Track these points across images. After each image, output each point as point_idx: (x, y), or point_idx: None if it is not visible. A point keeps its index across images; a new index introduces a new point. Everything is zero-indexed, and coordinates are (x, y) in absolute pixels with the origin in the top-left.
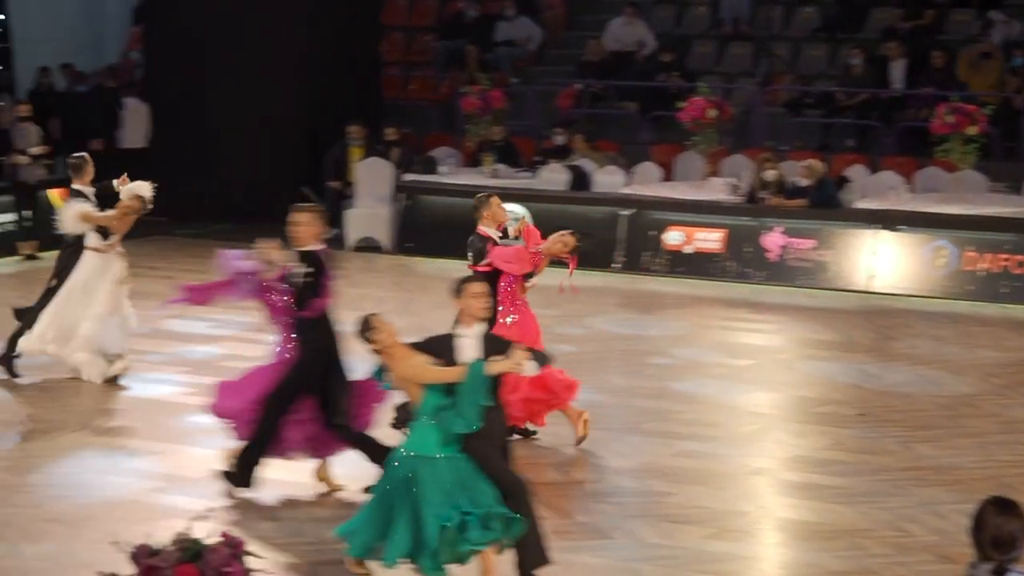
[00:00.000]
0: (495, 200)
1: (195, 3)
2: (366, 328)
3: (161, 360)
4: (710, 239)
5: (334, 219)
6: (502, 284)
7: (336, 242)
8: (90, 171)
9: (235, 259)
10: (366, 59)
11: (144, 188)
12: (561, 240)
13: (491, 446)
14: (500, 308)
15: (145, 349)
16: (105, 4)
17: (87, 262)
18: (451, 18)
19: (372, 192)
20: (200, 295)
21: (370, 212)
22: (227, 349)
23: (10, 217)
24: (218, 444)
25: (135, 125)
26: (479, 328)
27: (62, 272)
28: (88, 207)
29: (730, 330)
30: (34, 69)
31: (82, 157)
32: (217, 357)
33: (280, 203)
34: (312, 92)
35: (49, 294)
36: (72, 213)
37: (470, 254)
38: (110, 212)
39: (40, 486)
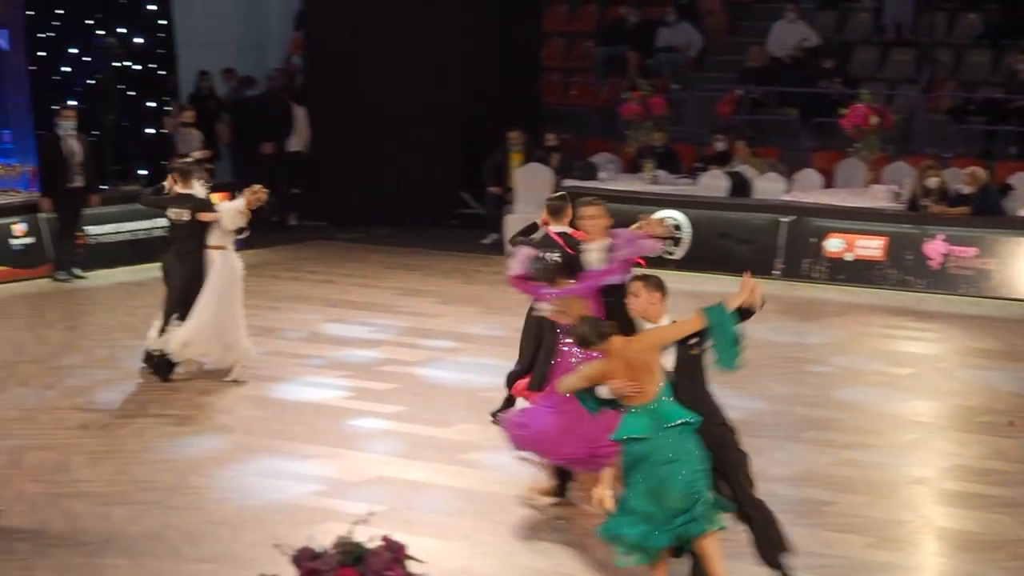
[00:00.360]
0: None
1: (356, 10)
2: (594, 328)
3: (321, 364)
4: (871, 246)
5: (493, 224)
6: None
7: (495, 247)
8: (196, 175)
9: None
10: (527, 65)
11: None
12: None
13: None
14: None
15: (305, 353)
16: (268, 9)
17: (224, 261)
18: (612, 24)
19: (532, 197)
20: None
21: (529, 217)
22: (386, 353)
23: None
24: (380, 448)
25: (295, 129)
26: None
27: (188, 277)
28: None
29: (891, 338)
30: (195, 73)
31: (189, 164)
32: (377, 361)
33: (440, 208)
34: (473, 98)
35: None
36: (234, 209)
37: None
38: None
39: (201, 488)
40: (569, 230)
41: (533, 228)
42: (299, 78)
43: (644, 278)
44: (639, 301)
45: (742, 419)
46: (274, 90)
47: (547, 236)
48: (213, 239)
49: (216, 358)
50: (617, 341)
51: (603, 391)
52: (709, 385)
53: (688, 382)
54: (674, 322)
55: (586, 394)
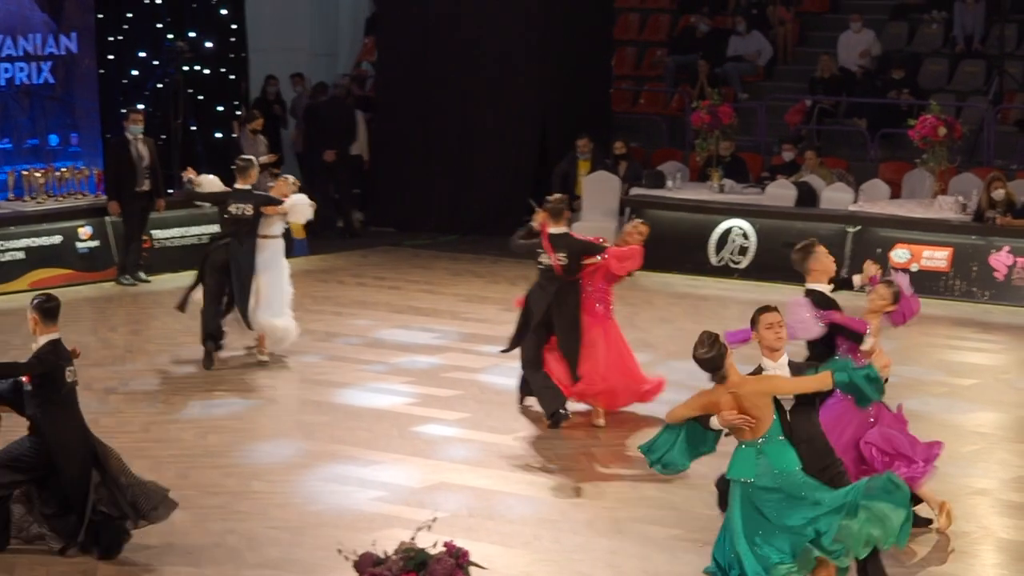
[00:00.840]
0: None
1: (428, 15)
2: (714, 350)
3: (385, 370)
4: (936, 257)
5: None
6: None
7: None
8: (254, 173)
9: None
10: (597, 73)
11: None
12: (636, 230)
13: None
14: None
15: (369, 359)
16: (339, 15)
17: (275, 248)
18: (682, 32)
19: (599, 205)
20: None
21: (597, 226)
22: (450, 359)
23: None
24: (443, 454)
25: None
26: (782, 359)
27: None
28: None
29: (954, 349)
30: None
31: (249, 160)
32: (441, 367)
33: (509, 215)
34: (542, 105)
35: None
36: (304, 203)
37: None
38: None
39: (263, 494)
40: (568, 231)
41: (533, 232)
42: (368, 84)
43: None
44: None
45: None
46: (338, 96)
47: (555, 236)
48: (270, 230)
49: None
50: (735, 376)
51: (714, 422)
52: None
53: (803, 420)
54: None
55: (697, 424)
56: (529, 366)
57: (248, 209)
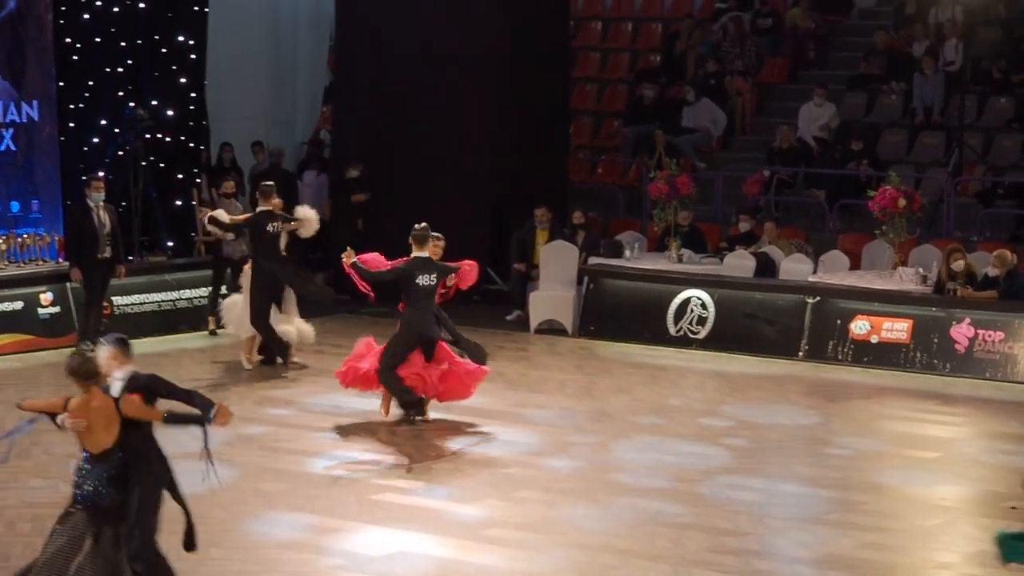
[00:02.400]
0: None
1: (384, 83)
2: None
3: (341, 438)
4: (897, 329)
5: (518, 301)
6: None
7: (519, 324)
8: (273, 199)
9: None
10: (555, 142)
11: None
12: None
13: None
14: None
15: (327, 426)
16: (296, 83)
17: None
18: (633, 102)
19: (557, 275)
20: None
21: (554, 295)
22: (408, 427)
23: (200, 292)
24: (402, 522)
25: (312, 198)
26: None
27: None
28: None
29: (916, 421)
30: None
31: (271, 185)
32: (397, 435)
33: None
34: (499, 175)
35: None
36: (314, 217)
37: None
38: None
39: (221, 560)
40: (428, 255)
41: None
42: (326, 152)
43: None
44: None
45: (764, 500)
46: (276, 163)
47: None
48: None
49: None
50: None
51: None
52: None
53: None
54: None
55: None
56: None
57: (278, 226)
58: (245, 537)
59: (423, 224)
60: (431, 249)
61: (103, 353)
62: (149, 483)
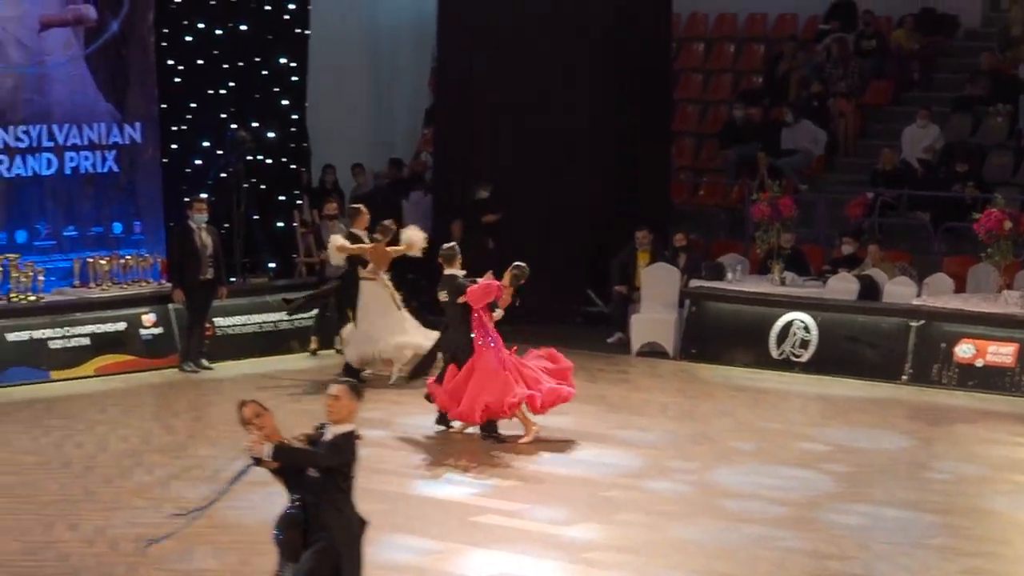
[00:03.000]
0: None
1: (485, 105)
2: None
3: (442, 459)
4: (1002, 353)
5: (618, 323)
6: (474, 316)
7: (620, 347)
8: (365, 219)
9: None
10: (656, 164)
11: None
12: (511, 273)
13: None
14: (474, 335)
15: (427, 448)
16: (397, 105)
17: (363, 288)
18: (728, 124)
19: (658, 297)
20: None
21: (656, 318)
22: (508, 450)
23: (306, 313)
24: (502, 544)
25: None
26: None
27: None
28: (342, 240)
29: (1021, 446)
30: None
31: (358, 208)
32: (499, 458)
33: (565, 305)
34: (601, 197)
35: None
36: (333, 245)
37: (446, 291)
38: (363, 246)
39: None
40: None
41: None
42: (428, 175)
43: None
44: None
45: (867, 525)
46: (382, 186)
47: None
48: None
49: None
50: None
51: None
52: None
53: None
54: None
55: None
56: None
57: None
58: None
59: (451, 244)
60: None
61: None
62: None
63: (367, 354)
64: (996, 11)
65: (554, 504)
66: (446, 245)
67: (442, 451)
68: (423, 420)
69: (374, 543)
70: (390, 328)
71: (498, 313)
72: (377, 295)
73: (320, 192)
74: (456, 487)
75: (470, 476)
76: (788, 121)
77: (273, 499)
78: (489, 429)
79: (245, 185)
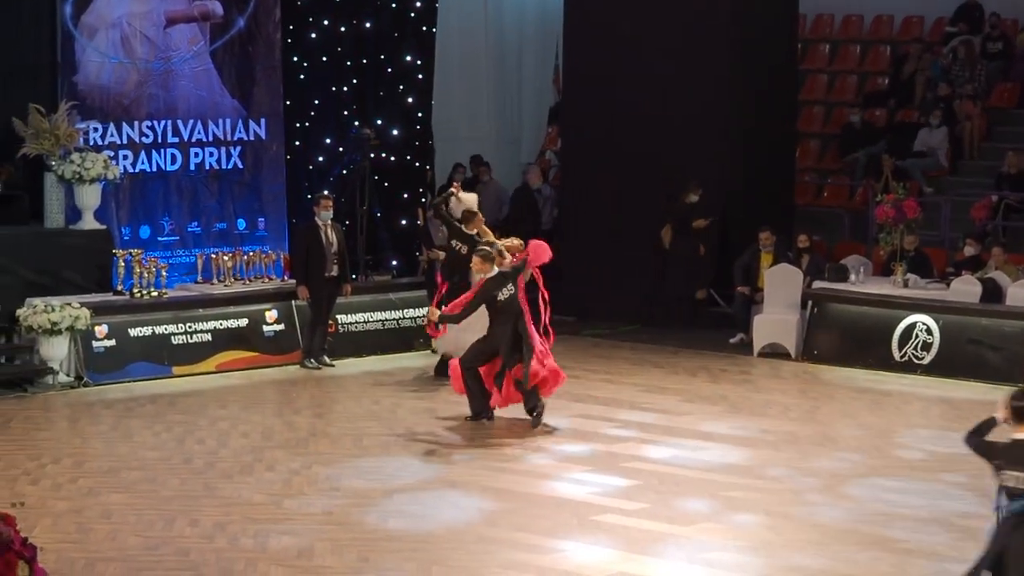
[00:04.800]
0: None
1: (612, 104)
2: None
3: (564, 459)
4: None
5: (741, 324)
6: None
7: (743, 347)
8: (479, 221)
9: None
10: (780, 166)
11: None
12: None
13: None
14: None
15: (548, 447)
16: (522, 103)
17: None
18: (845, 128)
19: (781, 299)
20: None
21: (778, 318)
22: (629, 449)
23: (423, 312)
24: (621, 544)
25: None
26: None
27: None
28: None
29: None
30: (448, 167)
31: (474, 212)
32: (620, 457)
33: (690, 309)
34: (724, 198)
35: None
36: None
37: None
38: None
39: None
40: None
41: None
42: (552, 173)
43: None
44: None
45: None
46: (525, 184)
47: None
48: None
49: None
50: None
51: None
52: None
53: None
54: None
55: None
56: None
57: (463, 248)
58: (466, 555)
59: (488, 241)
60: (499, 263)
61: None
62: None
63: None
64: None
65: (674, 504)
66: (482, 246)
67: (563, 451)
68: (543, 419)
69: (494, 542)
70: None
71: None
72: None
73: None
74: (577, 486)
75: (591, 475)
76: (933, 124)
77: (393, 497)
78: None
79: (369, 183)
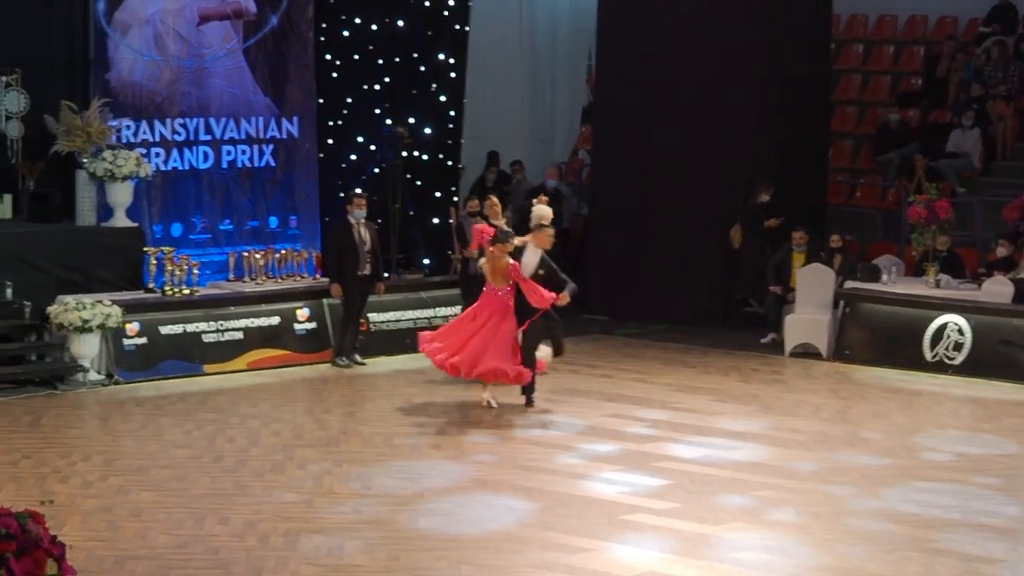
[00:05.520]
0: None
1: (645, 105)
2: None
3: (596, 458)
4: None
5: (773, 324)
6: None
7: (775, 347)
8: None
9: None
10: (814, 165)
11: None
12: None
13: None
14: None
15: (580, 446)
16: (555, 102)
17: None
18: (881, 127)
19: (813, 298)
20: None
21: (810, 318)
22: (661, 449)
23: (455, 311)
24: (652, 544)
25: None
26: None
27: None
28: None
29: None
30: (481, 165)
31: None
32: (651, 456)
33: (718, 309)
34: (756, 198)
35: None
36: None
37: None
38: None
39: None
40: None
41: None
42: (585, 172)
43: None
44: None
45: (1016, 529)
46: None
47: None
48: None
49: None
50: None
51: None
52: None
53: None
54: None
55: None
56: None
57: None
58: (496, 555)
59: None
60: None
61: None
62: None
63: None
64: None
65: (704, 504)
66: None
67: (594, 451)
68: (574, 419)
69: (524, 541)
70: None
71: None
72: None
73: (482, 189)
74: (608, 485)
75: (622, 475)
76: (966, 124)
77: (424, 495)
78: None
79: (401, 181)
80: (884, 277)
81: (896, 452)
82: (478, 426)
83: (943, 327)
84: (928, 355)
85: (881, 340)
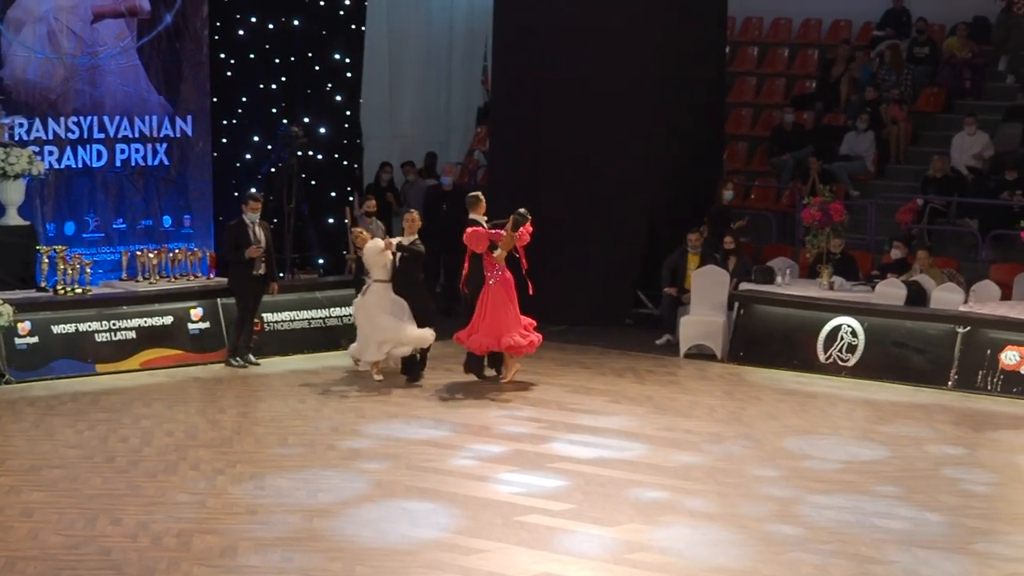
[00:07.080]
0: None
1: (540, 106)
2: None
3: (488, 459)
4: None
5: (668, 325)
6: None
7: (669, 349)
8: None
9: None
10: (708, 168)
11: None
12: (512, 218)
13: None
14: (487, 274)
15: (474, 448)
16: (451, 103)
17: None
18: (776, 129)
19: (707, 300)
20: None
21: (704, 320)
22: (556, 450)
23: (349, 311)
24: (548, 545)
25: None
26: None
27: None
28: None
29: None
30: (376, 166)
31: (477, 195)
32: (545, 458)
33: (617, 307)
34: (652, 199)
35: None
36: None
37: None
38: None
39: None
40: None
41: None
42: (480, 173)
43: None
44: None
45: (910, 529)
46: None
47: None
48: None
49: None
50: None
51: None
52: None
53: None
54: None
55: None
56: None
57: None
58: (391, 556)
59: (476, 192)
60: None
61: None
62: None
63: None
64: None
65: (599, 504)
66: (472, 193)
67: (488, 452)
68: (468, 419)
69: (419, 542)
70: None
71: (498, 253)
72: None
73: (375, 189)
74: (503, 486)
75: (517, 476)
76: (860, 127)
77: (318, 496)
78: (474, 366)
79: (296, 181)
80: (778, 279)
81: (789, 455)
82: (372, 427)
83: (837, 329)
84: (822, 357)
85: (775, 342)
